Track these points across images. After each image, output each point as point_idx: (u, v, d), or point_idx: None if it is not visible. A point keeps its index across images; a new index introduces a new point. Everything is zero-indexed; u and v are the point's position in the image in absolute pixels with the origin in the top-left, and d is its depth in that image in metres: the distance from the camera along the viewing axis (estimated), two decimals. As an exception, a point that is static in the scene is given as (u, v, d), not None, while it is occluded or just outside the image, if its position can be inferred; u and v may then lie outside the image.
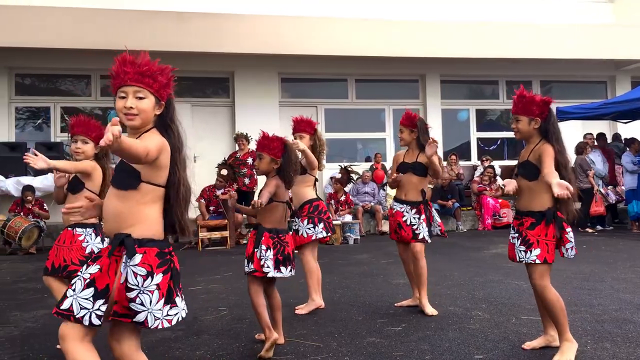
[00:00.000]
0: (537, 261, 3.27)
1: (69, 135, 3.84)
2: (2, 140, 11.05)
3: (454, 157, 12.66)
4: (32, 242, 9.05)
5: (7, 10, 10.15)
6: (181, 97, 12.08)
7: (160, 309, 2.20)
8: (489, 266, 6.69)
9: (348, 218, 10.48)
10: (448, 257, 7.54)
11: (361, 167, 12.07)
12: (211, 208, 9.85)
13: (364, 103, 13.24)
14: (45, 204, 9.63)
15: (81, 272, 2.20)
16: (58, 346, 3.69)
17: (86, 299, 2.13)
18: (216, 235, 9.58)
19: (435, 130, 13.26)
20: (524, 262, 3.34)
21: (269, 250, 3.54)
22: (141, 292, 2.16)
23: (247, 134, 10.35)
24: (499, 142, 14.06)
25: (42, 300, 5.30)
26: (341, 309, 4.75)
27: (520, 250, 3.35)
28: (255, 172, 3.72)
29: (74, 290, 2.15)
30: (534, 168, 3.33)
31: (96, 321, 2.13)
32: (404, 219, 4.58)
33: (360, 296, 5.29)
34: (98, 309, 2.13)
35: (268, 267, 3.51)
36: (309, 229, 4.69)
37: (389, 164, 12.28)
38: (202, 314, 4.64)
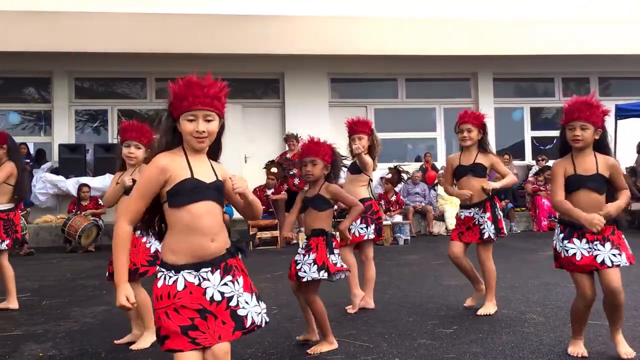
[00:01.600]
0: (627, 264, 3.22)
1: (120, 139, 3.90)
2: (63, 142, 11.47)
3: (507, 156, 12.36)
4: (91, 240, 9.39)
5: (68, 16, 10.53)
6: (232, 99, 12.22)
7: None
8: (545, 269, 6.51)
9: (398, 218, 10.40)
10: (501, 258, 7.36)
11: (411, 168, 11.96)
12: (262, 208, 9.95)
13: (414, 102, 13.10)
14: (100, 200, 9.99)
15: (232, 290, 2.28)
16: (116, 341, 3.81)
17: (255, 305, 2.34)
18: (266, 234, 9.67)
19: (489, 129, 13.01)
20: (615, 265, 3.20)
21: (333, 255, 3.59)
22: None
23: (297, 134, 10.42)
24: (555, 141, 13.67)
25: (101, 297, 5.48)
26: (391, 310, 4.72)
27: (614, 254, 3.21)
28: (307, 177, 3.64)
29: (247, 305, 2.30)
30: (605, 182, 3.28)
31: (267, 318, 2.39)
32: (474, 222, 4.48)
33: (410, 297, 5.24)
34: (264, 308, 2.38)
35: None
36: (361, 228, 4.69)
37: (439, 164, 12.12)
38: (253, 313, 4.68)
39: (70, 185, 10.63)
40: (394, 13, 11.77)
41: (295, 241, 3.71)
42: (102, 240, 9.48)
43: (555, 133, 13.51)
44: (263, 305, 2.38)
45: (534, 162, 12.65)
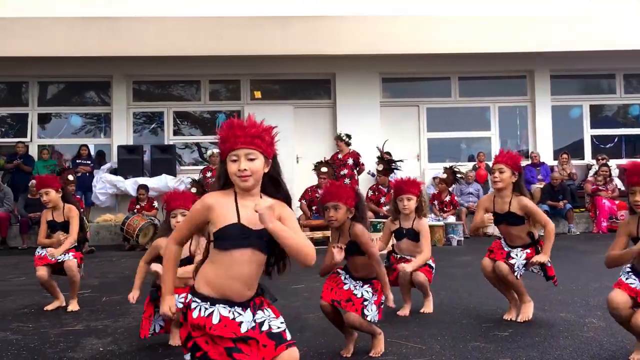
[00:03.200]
0: None
1: (166, 209, 3.96)
2: (121, 143, 11.84)
3: (565, 155, 12.03)
4: (148, 238, 9.66)
5: (127, 22, 10.86)
6: (284, 100, 12.40)
7: None
8: (605, 271, 6.27)
9: (451, 219, 10.25)
10: (560, 260, 7.16)
11: (465, 167, 11.78)
12: (313, 208, 10.01)
13: (468, 101, 12.89)
14: (155, 203, 10.28)
15: (262, 317, 2.31)
16: (170, 342, 3.91)
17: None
18: (318, 235, 9.70)
19: (545, 128, 12.69)
20: None
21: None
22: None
23: (343, 135, 10.45)
24: (616, 140, 13.18)
25: (157, 294, 5.61)
26: (444, 312, 4.66)
27: None
28: (331, 223, 3.54)
29: (281, 324, 2.33)
30: None
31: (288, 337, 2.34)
32: (508, 259, 4.27)
33: (463, 299, 5.16)
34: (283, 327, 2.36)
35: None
36: None
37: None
38: (305, 312, 4.71)
39: (129, 185, 10.97)
40: (446, 11, 11.60)
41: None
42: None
43: (617, 131, 13.10)
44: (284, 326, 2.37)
45: (593, 162, 12.23)
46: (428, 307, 4.70)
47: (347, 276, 3.59)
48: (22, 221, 10.31)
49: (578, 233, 10.80)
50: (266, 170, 2.35)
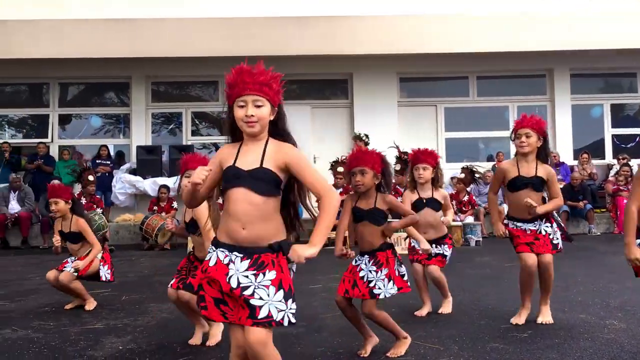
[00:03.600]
0: None
1: (180, 172, 4.04)
2: (140, 144, 11.95)
3: (585, 155, 11.89)
4: (167, 238, 9.74)
5: (146, 23, 10.97)
6: (301, 100, 12.42)
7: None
8: (626, 272, 6.19)
9: (470, 219, 10.19)
10: (580, 261, 7.09)
11: (484, 167, 11.69)
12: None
13: (486, 101, 12.80)
14: (175, 203, 10.36)
15: (256, 282, 2.30)
16: (190, 341, 3.93)
17: (280, 301, 2.30)
18: (334, 234, 9.69)
19: (565, 127, 12.56)
20: None
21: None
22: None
23: (362, 135, 10.44)
24: (637, 139, 12.99)
25: (176, 293, 5.65)
26: (462, 312, 4.63)
27: None
28: (357, 188, 3.53)
29: (266, 297, 2.28)
30: None
31: (293, 319, 2.32)
32: (539, 231, 4.22)
33: (482, 300, 5.12)
34: (291, 309, 2.32)
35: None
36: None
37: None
38: (323, 312, 4.72)
39: (147, 185, 11.06)
40: (464, 10, 11.54)
41: (352, 256, 3.52)
42: (177, 238, 9.81)
43: (638, 131, 12.91)
44: (292, 305, 2.33)
45: (614, 161, 12.07)
46: (447, 308, 4.68)
47: (358, 257, 3.54)
48: (43, 221, 10.45)
49: (599, 234, 10.67)
50: (272, 117, 2.41)
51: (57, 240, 5.09)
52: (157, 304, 5.26)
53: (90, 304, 5.10)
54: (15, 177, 10.86)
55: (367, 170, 3.44)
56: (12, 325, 4.50)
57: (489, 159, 12.70)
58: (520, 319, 4.27)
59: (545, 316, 4.25)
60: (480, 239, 9.70)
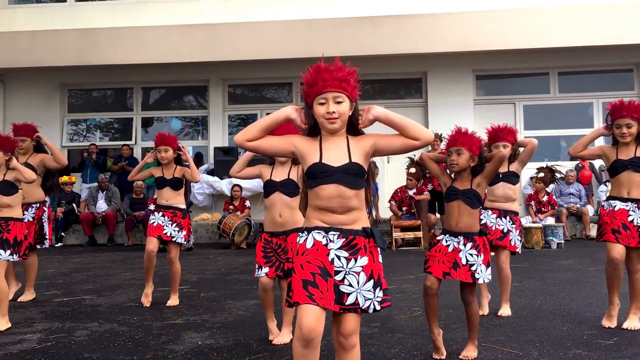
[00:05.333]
0: None
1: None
2: (217, 145, 12.29)
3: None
4: (243, 237, 9.97)
5: (223, 27, 11.27)
6: (375, 99, 12.36)
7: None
8: None
9: (550, 220, 9.81)
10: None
11: (565, 167, 11.23)
12: (404, 208, 9.91)
13: (568, 97, 12.27)
14: (247, 202, 10.63)
15: (347, 267, 2.35)
16: (271, 338, 3.99)
17: (369, 290, 2.35)
18: (409, 235, 9.62)
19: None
20: None
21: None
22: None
23: (440, 134, 10.23)
24: None
25: (252, 292, 5.78)
26: (542, 317, 4.47)
27: None
28: (452, 167, 3.51)
29: (356, 285, 2.34)
30: None
31: (378, 307, 2.37)
32: (630, 218, 4.01)
33: (564, 304, 4.92)
34: (377, 296, 2.36)
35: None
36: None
37: (597, 163, 11.23)
38: (396, 313, 4.68)
39: (224, 185, 11.35)
40: (542, 3, 11.12)
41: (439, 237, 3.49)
42: (253, 238, 10.02)
43: None
44: (379, 293, 2.38)
45: None
46: (506, 310, 4.59)
47: (446, 237, 3.48)
48: (127, 219, 10.94)
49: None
50: (350, 113, 2.45)
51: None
52: (233, 301, 5.39)
53: (170, 300, 5.28)
54: (103, 178, 11.45)
55: (464, 151, 3.45)
56: (99, 319, 4.74)
57: (573, 158, 12.17)
58: (611, 321, 4.11)
59: (633, 322, 4.03)
60: (562, 242, 9.30)
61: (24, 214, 5.20)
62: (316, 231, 2.38)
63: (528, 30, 10.81)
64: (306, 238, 2.38)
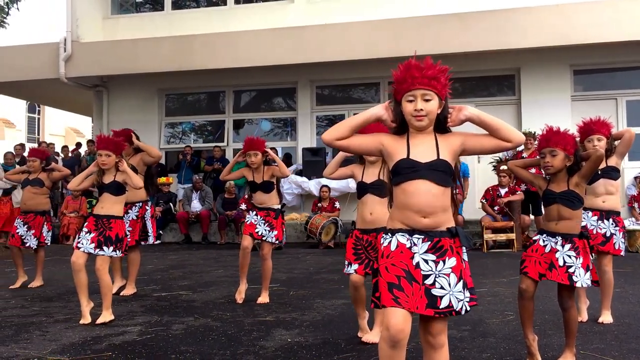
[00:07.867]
0: None
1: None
2: (306, 146, 12.46)
3: None
4: (330, 237, 10.05)
5: (310, 30, 11.42)
6: (465, 97, 12.07)
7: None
8: None
9: (656, 223, 9.18)
10: None
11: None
12: (495, 208, 9.60)
13: (677, 91, 11.42)
14: (337, 203, 10.65)
15: (436, 270, 2.33)
16: (359, 334, 4.01)
17: (460, 291, 2.34)
18: (502, 237, 9.32)
19: None
20: None
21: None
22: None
23: (534, 132, 9.84)
24: None
25: (340, 291, 5.82)
26: (648, 326, 4.20)
27: None
28: (546, 169, 3.38)
29: (447, 287, 2.32)
30: None
31: (468, 307, 2.35)
32: None
33: (673, 313, 4.59)
34: (466, 297, 2.35)
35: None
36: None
37: None
38: (488, 317, 4.55)
39: (312, 185, 11.49)
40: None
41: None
42: (340, 237, 10.08)
43: None
44: (467, 293, 2.34)
45: None
46: (607, 317, 4.34)
47: (544, 237, 3.37)
48: (220, 219, 11.33)
49: None
50: (439, 111, 2.41)
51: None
52: (322, 300, 5.45)
53: (261, 297, 5.41)
54: (198, 178, 11.92)
55: (558, 152, 3.31)
56: (194, 314, 4.94)
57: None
58: None
59: None
60: (670, 246, 8.69)
61: (128, 213, 5.53)
62: (400, 234, 2.37)
63: (632, 21, 10.16)
64: (390, 240, 2.37)
